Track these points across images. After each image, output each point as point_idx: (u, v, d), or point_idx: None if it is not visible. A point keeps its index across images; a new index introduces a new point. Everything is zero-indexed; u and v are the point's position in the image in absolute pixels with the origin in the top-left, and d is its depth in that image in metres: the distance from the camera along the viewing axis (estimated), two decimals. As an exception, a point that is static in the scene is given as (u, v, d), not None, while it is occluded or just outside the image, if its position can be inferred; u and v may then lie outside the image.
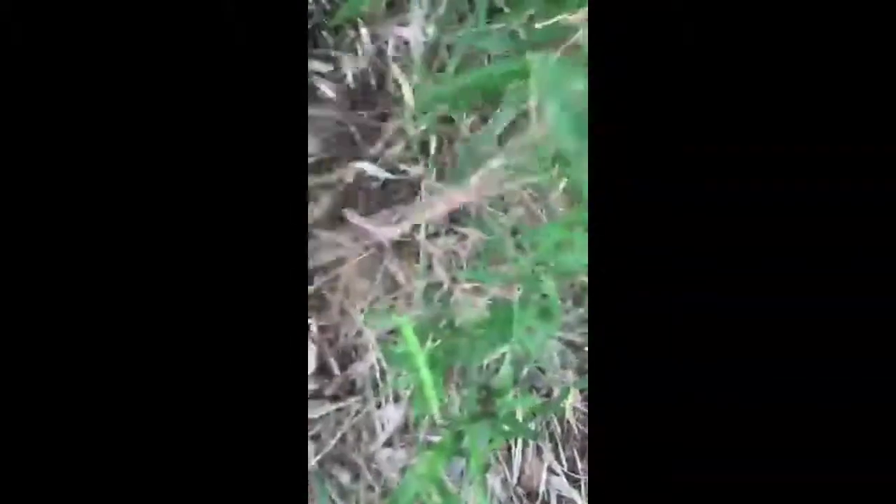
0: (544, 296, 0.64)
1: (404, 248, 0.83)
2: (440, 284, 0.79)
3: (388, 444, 0.77)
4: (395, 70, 0.85)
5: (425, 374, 0.51)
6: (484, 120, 0.86)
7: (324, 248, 0.82)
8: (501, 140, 0.82)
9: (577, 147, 0.47)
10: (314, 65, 0.86)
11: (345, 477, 0.76)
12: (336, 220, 0.83)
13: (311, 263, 0.79)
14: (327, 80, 0.85)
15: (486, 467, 0.77)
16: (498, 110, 0.82)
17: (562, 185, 0.77)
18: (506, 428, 0.59)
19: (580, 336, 0.79)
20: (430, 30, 0.83)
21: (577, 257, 0.59)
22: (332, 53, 0.86)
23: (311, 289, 0.78)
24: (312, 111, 0.83)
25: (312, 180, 0.82)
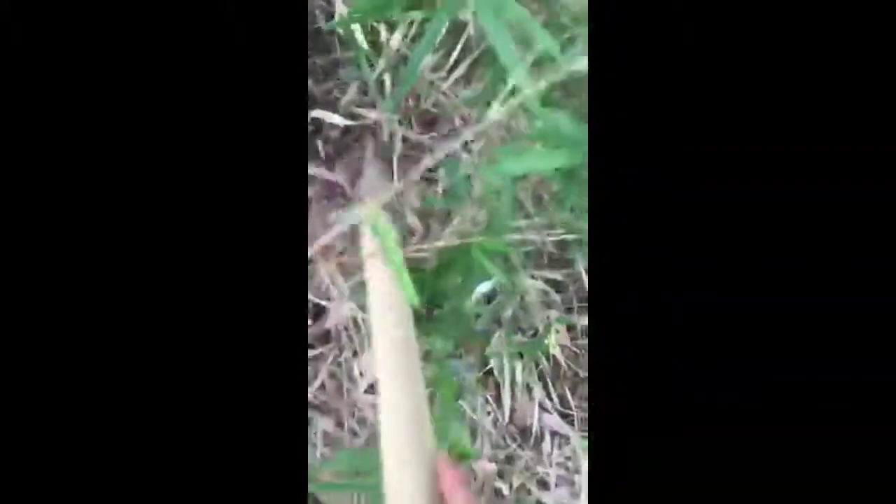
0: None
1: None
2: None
3: (371, 390, 0.79)
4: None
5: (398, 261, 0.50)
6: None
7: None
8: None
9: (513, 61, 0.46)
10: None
11: (328, 424, 0.78)
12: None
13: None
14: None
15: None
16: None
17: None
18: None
19: (562, 275, 0.81)
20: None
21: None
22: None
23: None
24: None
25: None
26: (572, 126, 0.45)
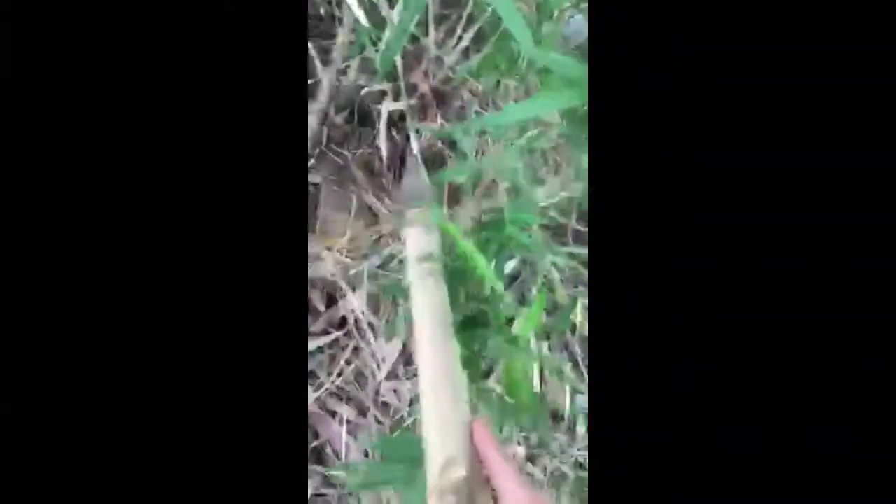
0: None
1: (376, 179, 0.81)
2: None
3: (392, 376, 0.78)
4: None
5: (474, 252, 0.51)
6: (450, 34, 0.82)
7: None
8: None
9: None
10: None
11: (351, 413, 0.78)
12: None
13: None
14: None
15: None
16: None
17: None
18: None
19: (583, 248, 0.79)
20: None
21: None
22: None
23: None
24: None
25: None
26: (573, 66, 0.43)
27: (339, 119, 0.79)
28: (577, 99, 0.44)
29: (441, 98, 0.83)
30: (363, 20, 0.79)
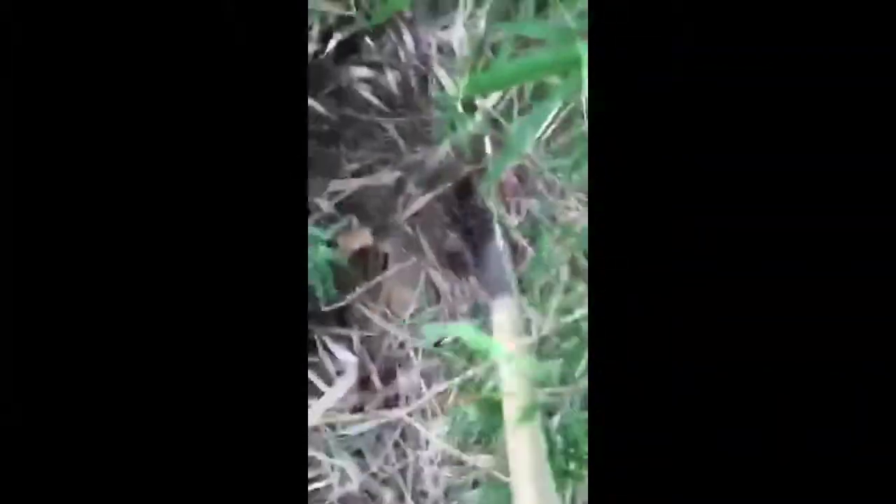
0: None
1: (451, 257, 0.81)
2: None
3: (433, 461, 0.74)
4: (439, 70, 0.83)
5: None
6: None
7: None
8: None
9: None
10: (357, 71, 0.84)
11: (388, 496, 0.73)
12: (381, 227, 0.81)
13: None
14: (370, 85, 0.84)
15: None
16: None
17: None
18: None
19: None
20: (477, 26, 0.80)
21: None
22: (375, 59, 0.84)
23: (349, 298, 0.76)
24: (355, 116, 0.82)
25: (357, 183, 0.79)
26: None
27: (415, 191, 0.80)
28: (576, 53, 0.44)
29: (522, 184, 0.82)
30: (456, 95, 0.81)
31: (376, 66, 0.84)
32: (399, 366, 0.77)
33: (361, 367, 0.75)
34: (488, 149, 0.79)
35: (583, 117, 0.80)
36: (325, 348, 0.76)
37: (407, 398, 0.75)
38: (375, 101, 0.83)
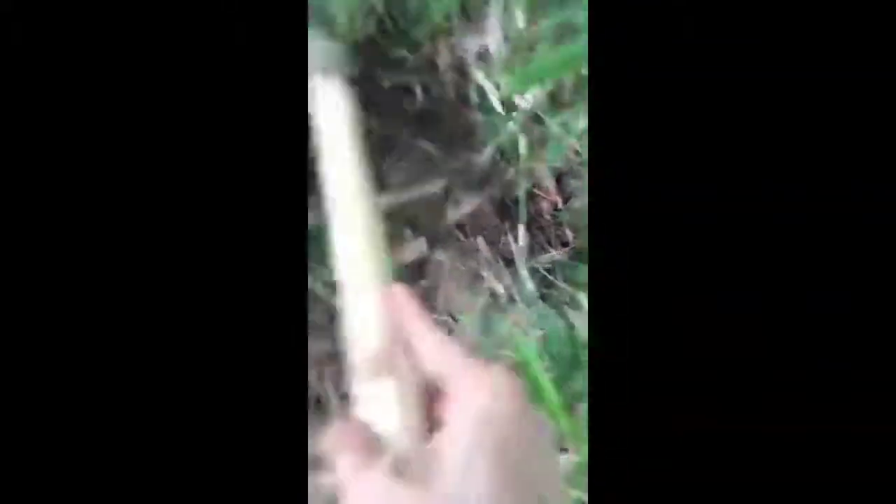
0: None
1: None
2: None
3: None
4: (478, 75, 0.82)
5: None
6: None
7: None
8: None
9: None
10: (398, 79, 0.85)
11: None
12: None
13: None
14: (407, 97, 0.84)
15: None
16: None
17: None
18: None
19: None
20: (515, 26, 0.79)
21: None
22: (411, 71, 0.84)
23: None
24: (392, 132, 0.82)
25: (389, 199, 0.79)
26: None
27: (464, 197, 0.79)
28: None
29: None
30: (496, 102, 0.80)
31: (414, 74, 0.84)
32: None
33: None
34: (522, 148, 0.78)
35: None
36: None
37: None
38: (415, 109, 0.83)
